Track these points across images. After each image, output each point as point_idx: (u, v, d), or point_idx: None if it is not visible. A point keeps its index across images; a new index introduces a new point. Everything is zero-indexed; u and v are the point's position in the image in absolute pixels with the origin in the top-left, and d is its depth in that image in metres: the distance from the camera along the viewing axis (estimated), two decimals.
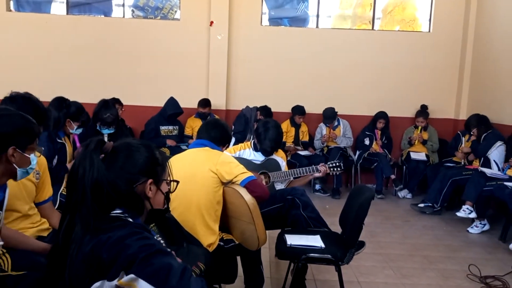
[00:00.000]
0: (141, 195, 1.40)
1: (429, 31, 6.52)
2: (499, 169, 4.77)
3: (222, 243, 2.51)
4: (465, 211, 4.53)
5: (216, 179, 2.47)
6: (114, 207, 1.37)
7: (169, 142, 5.62)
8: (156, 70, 6.36)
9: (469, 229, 4.57)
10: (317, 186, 6.04)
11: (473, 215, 4.52)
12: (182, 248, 2.10)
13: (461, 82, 6.42)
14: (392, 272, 3.48)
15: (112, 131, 4.14)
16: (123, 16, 6.46)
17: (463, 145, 5.47)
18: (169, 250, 1.31)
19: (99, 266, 1.21)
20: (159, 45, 6.34)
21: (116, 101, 5.35)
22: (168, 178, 1.52)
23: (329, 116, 6.10)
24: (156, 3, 6.41)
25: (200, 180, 2.46)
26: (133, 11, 6.47)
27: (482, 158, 4.99)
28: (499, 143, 4.79)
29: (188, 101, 6.02)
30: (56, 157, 3.31)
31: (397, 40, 6.48)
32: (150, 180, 1.41)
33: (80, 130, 3.52)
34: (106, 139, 4.24)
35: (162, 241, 1.71)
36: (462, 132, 5.64)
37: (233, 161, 2.56)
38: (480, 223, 4.56)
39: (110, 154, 1.39)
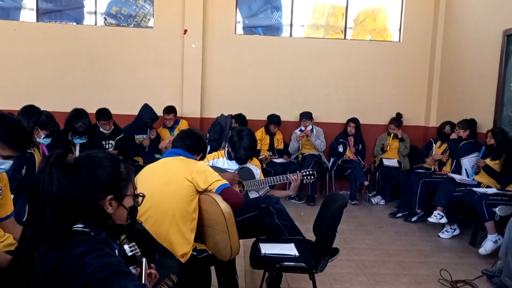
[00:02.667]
0: (105, 209, 1.38)
1: (399, 40, 6.68)
2: (468, 176, 4.90)
3: (195, 253, 2.48)
4: (436, 216, 4.64)
5: (192, 187, 2.46)
6: (77, 221, 1.34)
7: (145, 143, 5.55)
8: (130, 78, 6.28)
9: (440, 234, 4.67)
10: None
11: (443, 220, 4.62)
12: (154, 260, 2.07)
13: (430, 90, 6.59)
14: (366, 278, 3.52)
15: (84, 141, 4.06)
16: (95, 24, 6.37)
17: (434, 152, 5.60)
18: (128, 270, 1.28)
19: (59, 282, 1.19)
20: (132, 53, 6.28)
21: (103, 114, 5.04)
22: (134, 192, 1.49)
23: (306, 113, 6.17)
24: (129, 11, 6.35)
25: (175, 189, 2.44)
26: (105, 18, 6.39)
27: (454, 164, 5.11)
28: (476, 153, 4.89)
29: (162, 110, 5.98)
30: (25, 167, 3.22)
31: (369, 49, 6.61)
32: (109, 197, 1.38)
33: (48, 140, 3.42)
34: (78, 149, 4.16)
35: (138, 250, 1.67)
36: (434, 139, 5.78)
37: (208, 169, 2.55)
38: (451, 228, 4.67)
39: (73, 167, 1.35)
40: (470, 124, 5.14)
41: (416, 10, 6.55)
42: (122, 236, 1.84)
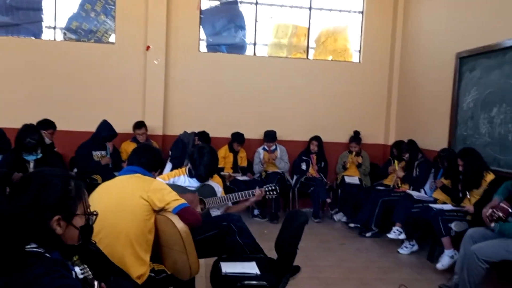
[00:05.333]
0: (53, 229, 1.32)
1: (360, 61, 6.89)
2: (425, 193, 5.05)
3: (153, 274, 2.41)
4: (395, 232, 4.73)
5: (148, 206, 2.38)
6: (28, 241, 1.27)
7: (104, 161, 5.37)
8: (90, 94, 6.14)
9: (400, 250, 4.76)
10: (256, 211, 6.04)
11: (402, 236, 4.72)
12: (109, 282, 1.99)
13: (389, 109, 6.81)
14: None
15: (37, 157, 3.89)
16: (54, 39, 6.21)
17: (396, 168, 5.71)
18: None
19: None
20: (93, 68, 6.15)
21: (47, 124, 5.07)
22: (85, 211, 1.44)
23: (271, 135, 6.21)
24: (89, 26, 6.24)
25: (130, 208, 2.36)
26: (65, 33, 6.24)
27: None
28: (431, 174, 5.09)
29: (124, 126, 5.85)
30: None
31: (330, 69, 6.78)
32: (57, 217, 1.32)
33: None
34: (32, 165, 3.98)
35: (89, 272, 1.60)
36: (393, 157, 5.94)
37: (165, 187, 2.49)
38: (409, 244, 4.76)
39: (20, 185, 1.29)
40: (409, 145, 5.44)
41: (375, 33, 6.79)
42: (75, 257, 1.77)
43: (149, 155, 2.61)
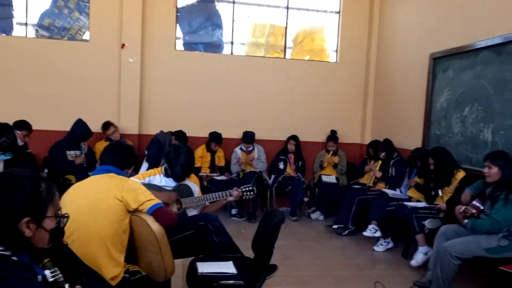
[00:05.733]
0: (22, 232, 1.28)
1: (336, 61, 6.95)
2: (400, 191, 5.13)
3: (127, 275, 2.36)
4: (371, 230, 4.79)
5: (122, 207, 2.34)
6: None
7: (78, 160, 5.26)
8: (63, 93, 6.00)
9: (375, 248, 4.82)
10: (233, 211, 6.02)
11: (378, 234, 4.78)
12: (81, 284, 1.95)
13: (365, 109, 6.89)
14: None
15: (9, 157, 3.79)
16: (26, 36, 6.04)
17: (377, 168, 5.77)
18: None
19: None
20: (67, 66, 6.01)
21: (22, 125, 4.95)
22: (56, 213, 1.40)
23: (249, 136, 6.20)
24: (63, 23, 6.09)
25: (104, 209, 2.31)
26: (37, 30, 6.08)
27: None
28: (406, 173, 5.18)
29: (98, 125, 5.77)
30: None
31: (307, 69, 6.81)
32: (26, 219, 1.28)
33: None
34: (2, 166, 3.87)
35: (60, 275, 1.56)
36: (369, 157, 6.02)
37: (139, 187, 2.45)
38: (385, 242, 4.83)
39: None
40: (385, 144, 5.51)
41: (352, 33, 6.86)
42: (45, 260, 1.72)
43: (121, 153, 2.56)
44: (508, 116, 3.97)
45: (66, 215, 1.46)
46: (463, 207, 3.39)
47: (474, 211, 3.38)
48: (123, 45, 6.02)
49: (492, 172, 3.35)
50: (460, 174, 4.23)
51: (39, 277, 1.37)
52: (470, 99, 4.52)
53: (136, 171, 5.18)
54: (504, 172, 3.28)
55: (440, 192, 4.32)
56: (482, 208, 3.48)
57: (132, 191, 2.37)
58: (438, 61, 5.11)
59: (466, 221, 3.36)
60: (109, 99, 6.11)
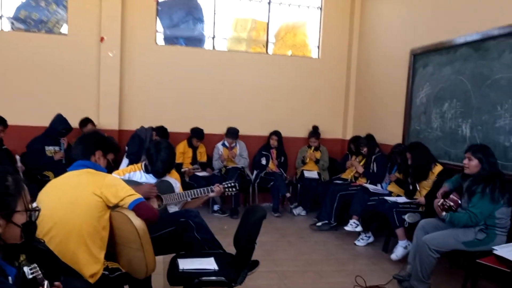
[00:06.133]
0: None
1: (318, 57, 6.97)
2: (381, 186, 5.19)
3: (107, 272, 2.33)
4: (352, 225, 4.83)
5: (101, 203, 2.30)
6: None
7: (57, 156, 5.16)
8: (41, 88, 5.86)
9: (356, 242, 4.87)
10: (216, 207, 6.00)
11: (359, 228, 4.83)
12: (59, 282, 1.91)
13: (347, 104, 6.93)
14: None
15: None
16: (1, 29, 5.88)
17: (354, 162, 5.80)
18: None
19: None
20: (44, 61, 5.87)
21: None
22: (26, 207, 1.36)
23: (233, 132, 6.18)
24: (40, 16, 5.94)
25: (83, 205, 2.26)
26: (12, 23, 5.92)
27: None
28: (387, 168, 5.25)
29: (77, 121, 5.62)
30: None
31: (290, 64, 6.81)
32: None
33: None
34: None
35: (39, 272, 1.53)
36: (350, 153, 6.06)
37: (119, 183, 2.40)
38: (366, 236, 4.88)
39: None
40: (367, 139, 5.56)
41: (333, 29, 6.89)
42: (21, 257, 1.68)
43: (80, 144, 2.49)
44: (485, 111, 4.05)
45: (37, 208, 1.42)
46: (441, 200, 3.45)
47: (452, 203, 3.44)
48: (102, 39, 5.91)
49: (472, 164, 3.40)
50: (438, 168, 4.30)
51: (10, 278, 1.33)
52: (449, 94, 4.59)
53: (116, 167, 5.12)
54: (483, 165, 3.34)
55: (418, 186, 4.39)
56: (460, 202, 3.55)
57: (112, 186, 2.32)
58: (418, 57, 5.17)
59: (444, 214, 3.41)
60: (88, 94, 6.00)
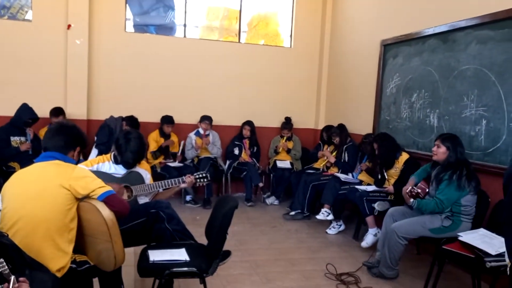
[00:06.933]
0: None
1: (291, 46, 6.96)
2: (352, 175, 5.27)
3: (74, 266, 2.27)
4: (324, 213, 4.90)
5: (70, 195, 2.23)
6: None
7: (24, 147, 4.99)
8: (5, 76, 5.62)
9: (328, 231, 4.94)
10: (188, 197, 5.96)
11: (330, 217, 4.90)
12: (24, 276, 1.86)
13: (319, 95, 6.98)
14: (259, 278, 3.56)
15: None
16: None
17: (326, 152, 5.86)
18: None
19: None
20: (8, 48, 5.63)
21: None
22: None
23: (208, 117, 6.15)
24: (2, 1, 5.68)
25: (50, 198, 2.19)
26: None
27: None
28: (358, 158, 5.33)
29: (44, 110, 5.43)
30: None
31: (262, 54, 6.78)
32: None
33: None
34: None
35: (5, 267, 1.49)
36: (322, 142, 6.12)
37: (88, 175, 2.34)
38: (337, 224, 4.96)
39: None
40: (340, 129, 5.63)
41: (305, 19, 6.89)
42: None
43: (62, 135, 2.39)
44: (452, 102, 4.15)
45: None
46: (410, 187, 3.54)
47: (419, 191, 3.53)
48: (69, 26, 5.72)
49: (439, 151, 3.50)
50: (404, 157, 4.42)
51: None
52: (418, 85, 4.67)
53: (85, 158, 5.00)
54: (450, 153, 3.44)
55: (385, 175, 4.48)
56: (427, 190, 3.64)
57: (81, 179, 2.26)
58: (388, 47, 5.23)
59: (412, 200, 3.49)
60: (55, 82, 5.81)
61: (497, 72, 3.64)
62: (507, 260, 1.87)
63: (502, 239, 2.95)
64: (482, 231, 3.15)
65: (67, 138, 2.39)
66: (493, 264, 2.75)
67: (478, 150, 3.81)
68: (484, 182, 3.48)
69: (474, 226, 3.37)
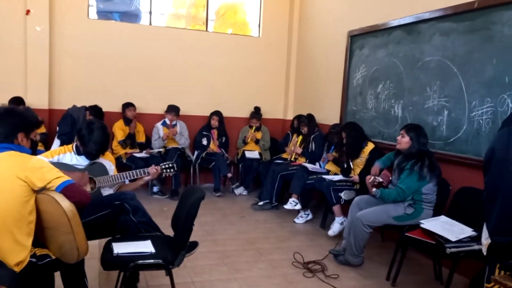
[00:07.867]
0: None
1: (259, 36, 6.93)
2: (320, 165, 5.32)
3: (34, 260, 2.20)
4: (292, 203, 4.93)
5: (26, 187, 2.14)
6: None
7: None
8: None
9: (296, 220, 4.99)
10: (155, 188, 5.88)
11: (298, 206, 4.94)
12: None
13: (288, 85, 6.99)
14: (226, 268, 3.56)
15: None
16: None
17: (291, 144, 5.90)
18: None
19: None
20: None
21: None
22: None
23: (175, 107, 6.07)
24: None
25: (6, 190, 2.10)
26: None
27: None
28: (324, 151, 5.39)
29: (3, 100, 5.17)
30: None
31: (230, 43, 6.72)
32: None
33: None
34: None
35: None
36: (291, 132, 6.15)
37: (45, 165, 2.25)
38: (305, 214, 5.01)
39: None
40: (308, 119, 5.67)
41: (274, 8, 6.86)
42: None
43: (6, 121, 2.23)
44: (416, 93, 4.24)
45: None
46: (372, 177, 3.60)
47: (382, 180, 3.60)
48: (28, 12, 5.48)
49: (403, 141, 3.58)
50: (369, 147, 4.51)
51: None
52: (383, 76, 4.75)
53: (48, 148, 4.84)
54: (413, 144, 3.52)
55: (351, 164, 4.56)
56: (390, 179, 3.72)
57: (38, 170, 2.17)
58: (355, 38, 5.29)
59: (374, 190, 3.57)
60: (14, 71, 5.57)
61: (459, 64, 3.74)
62: (484, 240, 1.90)
63: (462, 226, 3.08)
64: (443, 218, 3.25)
65: (3, 128, 2.22)
66: (453, 250, 2.85)
67: (440, 140, 3.92)
68: (445, 170, 3.59)
69: (436, 213, 3.47)
